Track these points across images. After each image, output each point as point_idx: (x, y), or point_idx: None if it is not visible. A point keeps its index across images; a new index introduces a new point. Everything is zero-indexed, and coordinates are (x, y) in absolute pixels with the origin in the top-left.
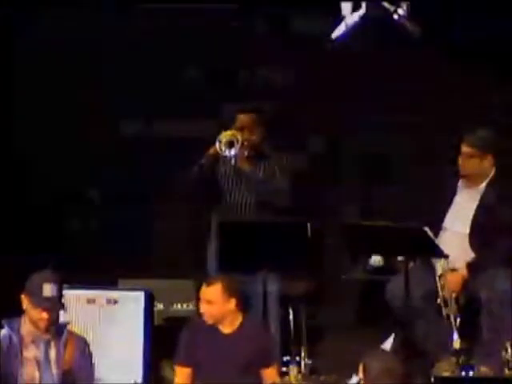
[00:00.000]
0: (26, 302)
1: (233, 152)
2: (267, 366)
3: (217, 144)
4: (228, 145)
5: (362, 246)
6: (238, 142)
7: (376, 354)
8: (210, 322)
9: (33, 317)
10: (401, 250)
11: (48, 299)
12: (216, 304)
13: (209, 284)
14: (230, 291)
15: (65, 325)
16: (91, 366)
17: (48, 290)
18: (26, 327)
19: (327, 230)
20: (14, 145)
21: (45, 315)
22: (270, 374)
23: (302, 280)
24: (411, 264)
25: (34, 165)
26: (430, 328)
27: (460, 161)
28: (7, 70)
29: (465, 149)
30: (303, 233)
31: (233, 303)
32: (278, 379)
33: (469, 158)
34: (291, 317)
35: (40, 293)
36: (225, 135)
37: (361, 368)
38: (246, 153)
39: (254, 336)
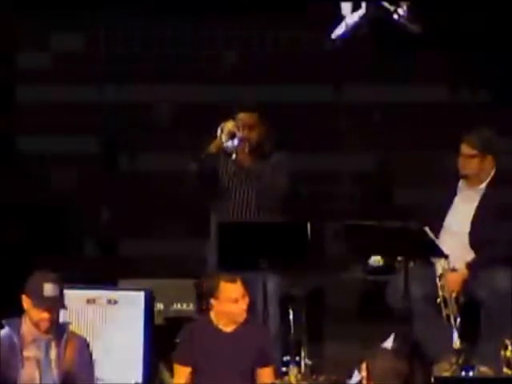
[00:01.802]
0: (26, 302)
1: (235, 142)
2: (264, 365)
3: (218, 133)
4: (229, 135)
5: (362, 246)
6: (239, 131)
7: (380, 353)
8: (243, 318)
9: (34, 317)
10: (401, 250)
11: (49, 299)
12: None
13: (236, 280)
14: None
15: (66, 325)
16: (92, 366)
17: (49, 289)
18: (26, 327)
19: (327, 229)
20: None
21: (46, 315)
22: (266, 373)
23: (302, 280)
24: (411, 264)
25: (35, 164)
26: (429, 328)
27: (460, 161)
28: None
29: (465, 149)
30: (303, 233)
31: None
32: (274, 380)
33: (469, 159)
34: (291, 317)
35: (41, 292)
36: (227, 125)
37: (363, 367)
38: (246, 149)
39: (254, 336)
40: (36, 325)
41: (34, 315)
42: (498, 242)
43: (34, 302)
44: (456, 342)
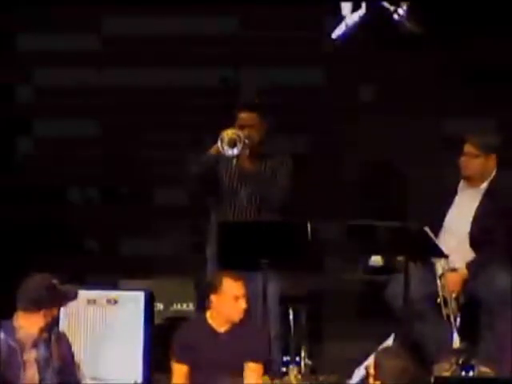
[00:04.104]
0: (47, 309)
1: (235, 151)
2: (250, 360)
3: (219, 143)
4: (230, 144)
5: (362, 245)
6: (240, 140)
7: (390, 352)
8: (239, 318)
9: (55, 315)
10: (401, 250)
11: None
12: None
13: (239, 279)
14: None
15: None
16: (75, 360)
17: (59, 284)
18: (22, 331)
19: (327, 229)
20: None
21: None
22: (251, 369)
23: (302, 280)
24: (411, 264)
25: (34, 163)
26: (429, 328)
27: (464, 161)
28: None
29: (469, 149)
30: (303, 233)
31: None
32: (259, 378)
33: (473, 159)
34: (291, 317)
35: (59, 292)
36: (227, 134)
37: (371, 363)
38: (247, 152)
39: (247, 336)
40: (46, 321)
41: (54, 313)
42: (498, 241)
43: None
44: (456, 342)
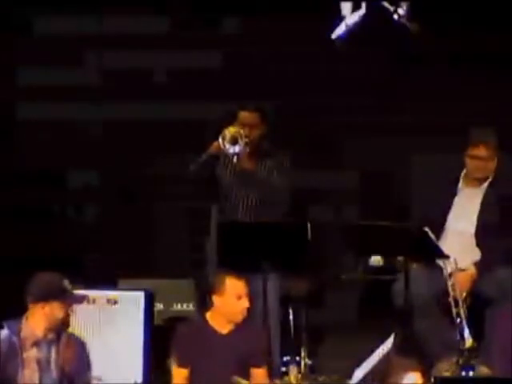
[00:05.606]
0: (51, 306)
1: (237, 149)
2: (255, 366)
3: (220, 140)
4: (232, 141)
5: (362, 246)
6: (241, 138)
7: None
8: (241, 318)
9: (59, 315)
10: (401, 250)
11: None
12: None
13: (241, 278)
14: None
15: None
16: (89, 367)
17: (68, 284)
18: (27, 329)
19: (327, 229)
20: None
21: (74, 307)
22: (256, 374)
23: (302, 280)
24: (414, 264)
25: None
26: (432, 328)
27: (476, 164)
28: None
29: (483, 152)
30: (303, 233)
31: None
32: (266, 382)
33: (487, 161)
34: (291, 317)
35: (66, 290)
36: (229, 131)
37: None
38: (247, 150)
39: (248, 338)
40: (55, 322)
41: (60, 313)
42: (503, 239)
43: (61, 301)
44: (468, 341)
